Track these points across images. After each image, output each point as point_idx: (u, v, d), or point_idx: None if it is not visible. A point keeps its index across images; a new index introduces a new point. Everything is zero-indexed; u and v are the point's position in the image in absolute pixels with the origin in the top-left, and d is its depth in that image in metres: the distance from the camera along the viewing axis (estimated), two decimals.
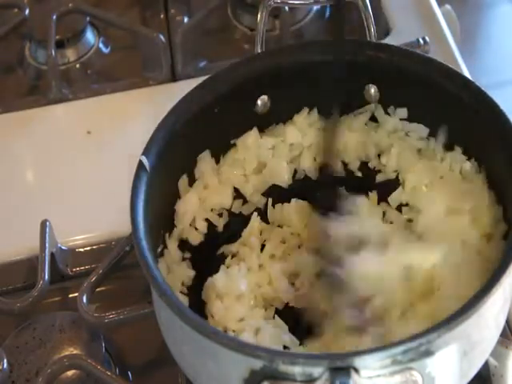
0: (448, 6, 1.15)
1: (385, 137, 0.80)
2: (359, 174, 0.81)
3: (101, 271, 0.77)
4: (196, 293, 0.75)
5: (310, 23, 1.12)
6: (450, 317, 0.59)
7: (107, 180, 0.93)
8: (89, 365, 0.74)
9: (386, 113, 0.80)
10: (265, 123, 0.82)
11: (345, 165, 0.82)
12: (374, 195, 0.80)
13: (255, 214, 0.80)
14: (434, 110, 0.77)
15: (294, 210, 0.79)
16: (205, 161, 0.79)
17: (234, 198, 0.80)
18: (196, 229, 0.78)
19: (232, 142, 0.81)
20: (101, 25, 1.15)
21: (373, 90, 0.80)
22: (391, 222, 0.78)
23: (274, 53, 0.81)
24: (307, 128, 0.82)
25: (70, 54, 1.12)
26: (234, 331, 0.72)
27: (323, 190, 0.78)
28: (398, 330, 0.66)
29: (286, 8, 1.07)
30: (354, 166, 0.81)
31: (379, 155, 0.81)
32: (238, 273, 0.75)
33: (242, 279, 0.75)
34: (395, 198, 0.79)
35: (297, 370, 0.58)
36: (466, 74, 0.97)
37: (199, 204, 0.78)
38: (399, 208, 0.79)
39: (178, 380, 0.75)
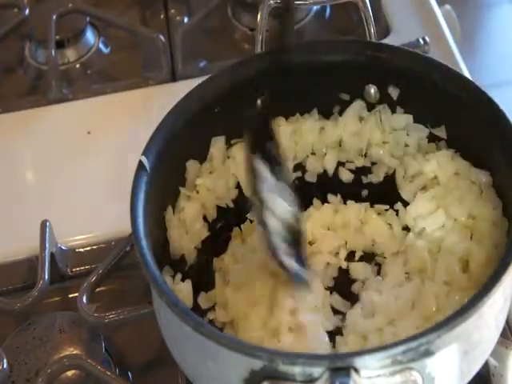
0: (448, 6, 1.15)
1: (384, 136, 0.80)
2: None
3: (101, 271, 0.78)
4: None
5: (310, 23, 1.12)
6: (450, 317, 0.59)
7: (107, 180, 0.93)
8: (89, 365, 0.74)
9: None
10: None
11: (342, 164, 0.81)
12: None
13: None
14: (434, 109, 0.77)
15: None
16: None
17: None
18: None
19: (232, 141, 0.81)
20: (101, 25, 1.16)
21: (373, 90, 0.80)
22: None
23: (274, 53, 0.81)
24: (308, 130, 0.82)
25: (70, 54, 1.12)
26: None
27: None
28: None
29: None
30: (352, 166, 0.81)
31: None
32: None
33: None
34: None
35: (297, 370, 0.58)
36: (466, 73, 0.97)
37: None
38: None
39: (178, 380, 0.75)
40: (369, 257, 0.77)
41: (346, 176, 0.81)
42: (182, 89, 0.77)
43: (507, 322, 0.76)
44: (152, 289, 0.66)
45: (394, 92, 0.79)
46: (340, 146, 0.81)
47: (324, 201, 0.81)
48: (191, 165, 0.78)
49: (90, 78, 1.12)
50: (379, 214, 0.79)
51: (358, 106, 0.80)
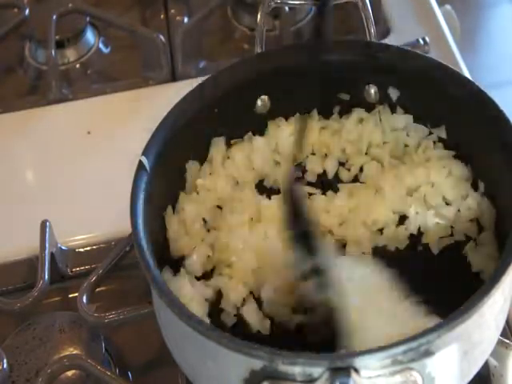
0: (448, 6, 1.15)
1: (384, 137, 0.80)
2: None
3: (101, 271, 0.78)
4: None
5: (310, 23, 1.12)
6: (450, 317, 0.58)
7: (107, 180, 0.93)
8: (89, 365, 0.74)
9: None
10: (265, 123, 0.82)
11: (342, 164, 0.81)
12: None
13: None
14: (434, 109, 0.77)
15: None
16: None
17: None
18: None
19: (232, 141, 0.81)
20: (101, 25, 1.16)
21: (373, 90, 0.80)
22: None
23: (274, 53, 0.81)
24: (310, 131, 0.82)
25: (70, 53, 1.12)
26: None
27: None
28: None
29: (286, 8, 1.07)
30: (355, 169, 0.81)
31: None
32: None
33: None
34: None
35: (297, 370, 0.58)
36: (466, 73, 0.97)
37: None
38: None
39: (178, 380, 0.75)
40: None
41: (346, 176, 0.81)
42: (182, 89, 0.77)
43: (507, 322, 0.76)
44: (152, 289, 0.66)
45: (393, 92, 0.79)
46: (341, 152, 0.81)
47: None
48: (191, 165, 0.78)
49: (90, 78, 1.12)
50: None
51: (357, 113, 0.81)
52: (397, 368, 0.58)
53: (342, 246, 0.76)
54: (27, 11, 1.14)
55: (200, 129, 0.77)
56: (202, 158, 0.80)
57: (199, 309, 0.70)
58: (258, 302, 0.72)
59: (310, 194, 0.79)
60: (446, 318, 0.59)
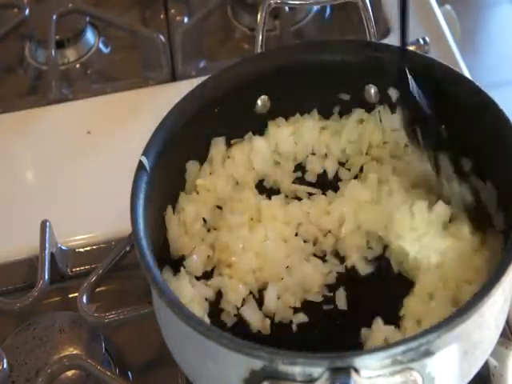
0: (448, 6, 1.15)
1: (385, 137, 0.80)
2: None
3: (101, 271, 0.78)
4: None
5: (310, 23, 1.12)
6: (450, 317, 0.59)
7: (107, 180, 0.93)
8: (89, 365, 0.74)
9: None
10: (265, 123, 0.82)
11: (342, 164, 0.81)
12: None
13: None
14: (434, 110, 0.77)
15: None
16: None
17: None
18: None
19: (232, 141, 0.81)
20: (101, 25, 1.16)
21: (373, 90, 0.80)
22: None
23: (273, 53, 0.81)
24: (310, 131, 0.82)
25: (70, 53, 1.12)
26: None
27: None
28: None
29: (286, 8, 1.07)
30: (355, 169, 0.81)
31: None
32: None
33: None
34: None
35: (297, 370, 0.58)
36: (466, 73, 0.97)
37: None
38: None
39: (178, 380, 0.75)
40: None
41: (345, 176, 0.81)
42: (182, 89, 0.77)
43: (507, 322, 0.76)
44: (152, 289, 0.66)
45: (393, 92, 0.79)
46: (341, 152, 0.81)
47: None
48: (191, 165, 0.78)
49: (90, 78, 1.12)
50: None
51: (357, 113, 0.81)
52: (397, 368, 0.58)
53: None
54: (27, 11, 1.14)
55: (200, 129, 0.77)
56: (202, 157, 0.80)
57: (199, 309, 0.70)
58: (258, 301, 0.72)
59: (310, 194, 0.79)
60: (447, 318, 0.59)
